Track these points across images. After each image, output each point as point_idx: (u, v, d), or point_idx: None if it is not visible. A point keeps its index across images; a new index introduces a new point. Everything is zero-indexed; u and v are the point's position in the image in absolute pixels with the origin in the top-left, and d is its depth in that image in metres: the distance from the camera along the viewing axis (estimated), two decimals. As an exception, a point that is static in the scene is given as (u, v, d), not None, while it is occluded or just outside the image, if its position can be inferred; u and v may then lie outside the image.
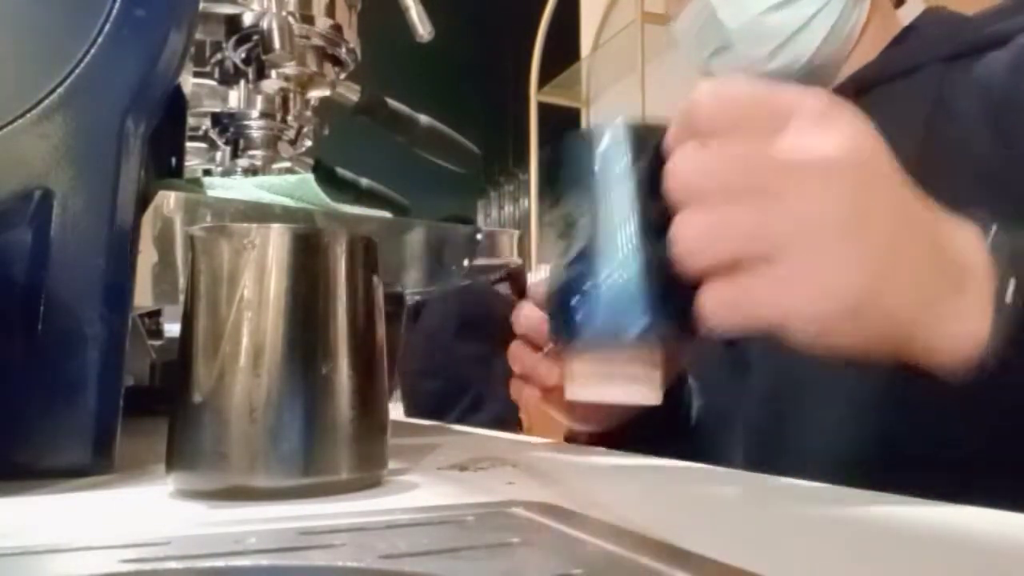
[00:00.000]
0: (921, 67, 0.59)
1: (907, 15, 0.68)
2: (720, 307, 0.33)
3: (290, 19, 0.69)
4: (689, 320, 0.33)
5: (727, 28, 0.60)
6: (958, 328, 0.34)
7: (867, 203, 0.33)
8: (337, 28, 0.73)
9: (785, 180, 0.32)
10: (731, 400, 0.63)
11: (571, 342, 0.40)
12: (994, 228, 0.36)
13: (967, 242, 0.36)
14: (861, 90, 0.62)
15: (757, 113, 0.33)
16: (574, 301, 0.38)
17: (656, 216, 0.35)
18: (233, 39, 0.71)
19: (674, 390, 0.57)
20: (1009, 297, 0.34)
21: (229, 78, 0.75)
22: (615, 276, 0.36)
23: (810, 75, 0.63)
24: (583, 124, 3.56)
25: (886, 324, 0.33)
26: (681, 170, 0.33)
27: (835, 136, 0.33)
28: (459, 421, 1.93)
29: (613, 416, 0.55)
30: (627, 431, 0.55)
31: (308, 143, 0.82)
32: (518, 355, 0.51)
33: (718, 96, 0.33)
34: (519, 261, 0.57)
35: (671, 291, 0.35)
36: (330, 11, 0.73)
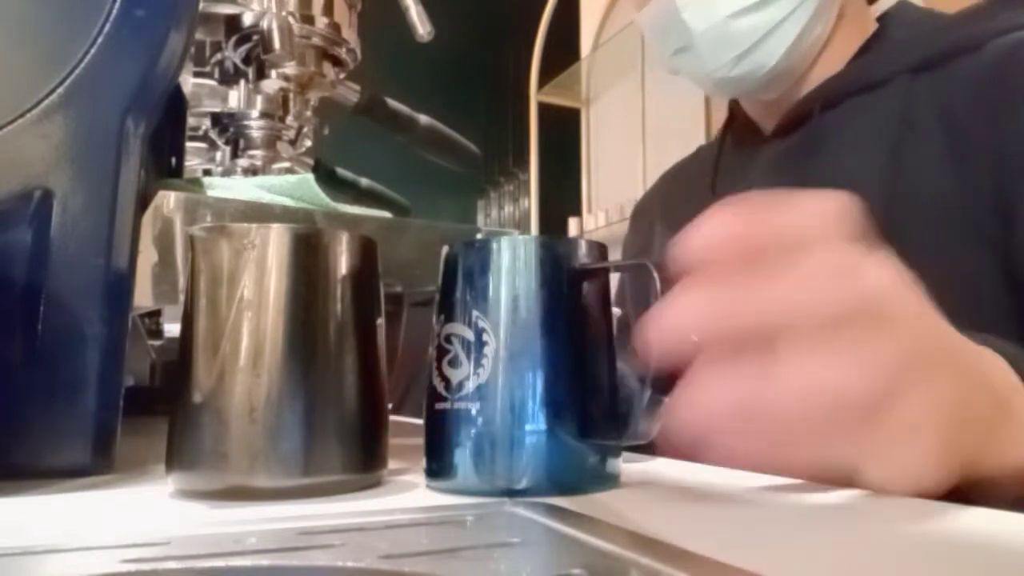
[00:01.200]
0: (890, 78, 0.58)
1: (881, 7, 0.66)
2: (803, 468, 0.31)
3: (290, 19, 0.69)
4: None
5: (691, 30, 0.58)
6: (1015, 453, 0.33)
7: (921, 358, 0.30)
8: (337, 28, 0.73)
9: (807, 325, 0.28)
10: None
11: (441, 483, 0.34)
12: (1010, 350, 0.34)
13: (994, 365, 0.34)
14: (828, 104, 0.61)
15: (771, 246, 0.29)
16: (455, 436, 0.33)
17: (571, 350, 0.32)
18: (233, 39, 0.71)
19: None
20: None
21: (229, 78, 0.75)
22: (518, 417, 0.32)
23: (771, 83, 0.63)
24: (583, 124, 3.56)
25: (941, 464, 0.31)
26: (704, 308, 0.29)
27: (870, 284, 0.29)
28: None
29: None
30: None
31: (308, 143, 0.82)
32: None
33: (723, 225, 0.30)
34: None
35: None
36: (330, 11, 0.73)
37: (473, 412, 0.32)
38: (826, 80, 0.62)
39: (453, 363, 0.33)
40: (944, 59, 0.54)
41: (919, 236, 0.46)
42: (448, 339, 0.33)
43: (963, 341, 0.33)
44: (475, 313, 0.33)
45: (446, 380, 0.33)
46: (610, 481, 0.34)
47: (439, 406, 0.33)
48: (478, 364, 0.32)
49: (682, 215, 0.40)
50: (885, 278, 0.29)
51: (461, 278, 0.34)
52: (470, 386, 0.32)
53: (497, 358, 0.32)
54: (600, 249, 0.35)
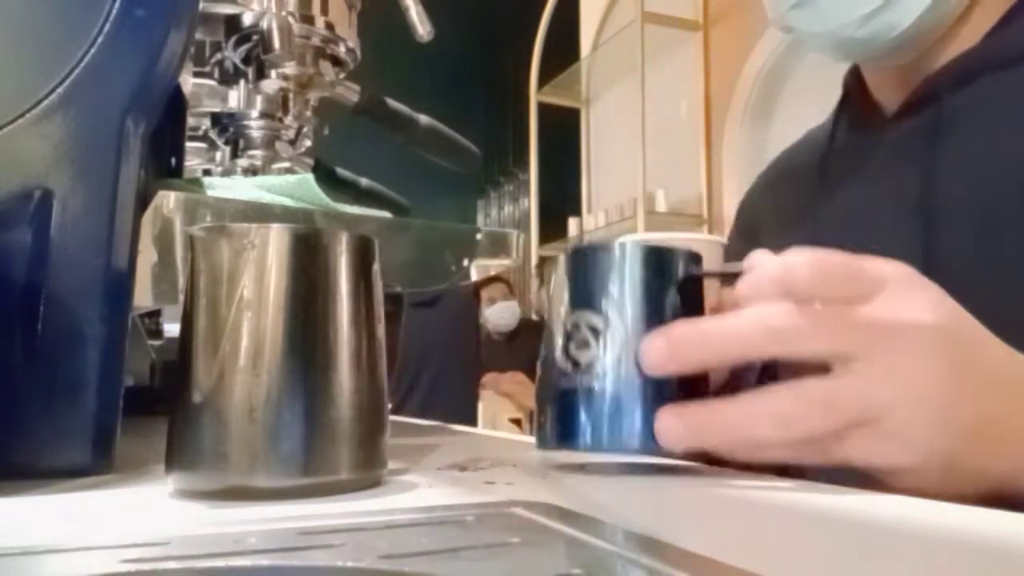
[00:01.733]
0: None
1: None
2: (806, 456, 0.35)
3: (290, 19, 0.69)
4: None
5: None
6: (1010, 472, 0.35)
7: (962, 369, 0.34)
8: (337, 28, 0.73)
9: (888, 345, 0.33)
10: None
11: (576, 448, 0.39)
12: None
13: None
14: (961, 81, 0.54)
15: (853, 282, 0.34)
16: (585, 408, 0.38)
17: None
18: (233, 39, 0.71)
19: None
20: None
21: (229, 78, 0.75)
22: (634, 391, 0.37)
23: (899, 48, 0.56)
24: (583, 124, 3.56)
25: (985, 481, 0.35)
26: (785, 327, 0.33)
27: (929, 302, 0.34)
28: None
29: None
30: None
31: (308, 143, 0.82)
32: None
33: (818, 261, 0.34)
34: (518, 261, 0.57)
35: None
36: (329, 11, 0.73)
37: (605, 385, 0.37)
38: (960, 55, 0.56)
39: (583, 346, 0.38)
40: None
41: None
42: (576, 326, 0.38)
43: (1016, 360, 0.36)
44: (604, 303, 0.38)
45: (574, 360, 0.38)
46: None
47: (566, 383, 0.38)
48: (606, 347, 0.38)
49: (792, 211, 0.45)
50: (946, 302, 0.34)
51: (593, 275, 0.39)
52: (601, 366, 0.37)
53: (626, 342, 0.37)
54: (698, 258, 0.40)
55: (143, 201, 0.43)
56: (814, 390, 0.33)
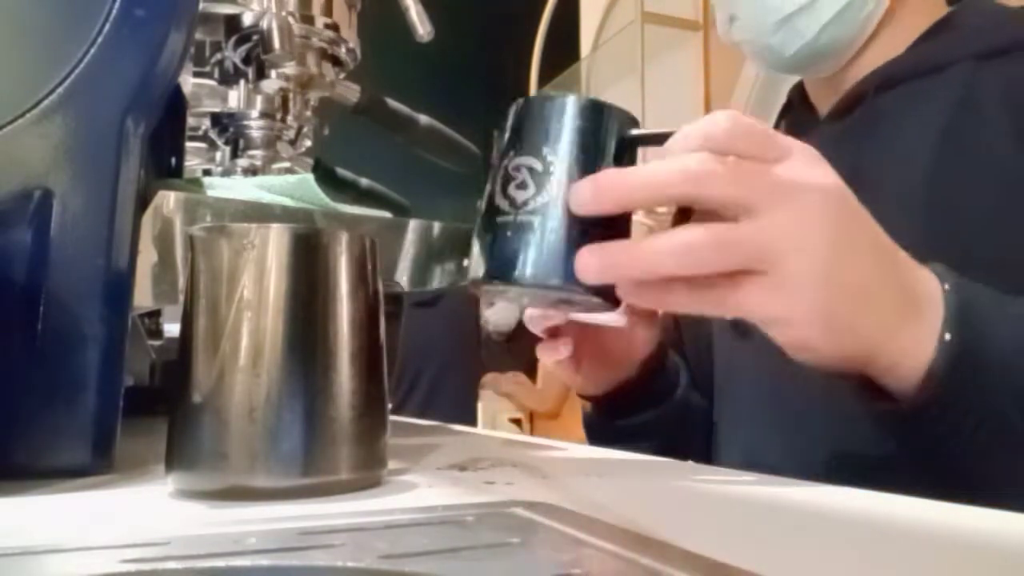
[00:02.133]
0: (951, 64, 0.58)
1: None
2: (705, 303, 0.38)
3: (290, 19, 0.69)
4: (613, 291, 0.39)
5: None
6: (914, 350, 0.39)
7: (849, 232, 0.38)
8: (337, 28, 0.73)
9: (788, 200, 0.36)
10: (736, 359, 0.64)
11: (502, 280, 0.40)
12: (948, 281, 0.40)
13: (924, 279, 0.40)
14: (885, 86, 0.61)
15: (766, 143, 0.38)
16: (515, 244, 0.39)
17: None
18: (233, 39, 0.71)
19: (652, 362, 0.58)
20: (946, 337, 0.39)
21: (229, 78, 0.75)
22: (561, 231, 0.39)
23: (818, 57, 0.63)
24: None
25: (856, 340, 0.39)
26: (700, 171, 0.36)
27: (826, 172, 0.38)
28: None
29: (611, 381, 0.57)
30: (623, 397, 0.58)
31: (308, 143, 0.82)
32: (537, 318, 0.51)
33: (738, 119, 0.37)
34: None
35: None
36: (329, 11, 0.73)
37: (535, 223, 0.39)
38: (885, 63, 0.62)
39: (521, 187, 0.40)
40: (1013, 47, 0.54)
41: (976, 210, 0.52)
42: (517, 168, 0.40)
43: (893, 245, 0.40)
44: (545, 149, 0.40)
45: (511, 199, 0.40)
46: None
47: (501, 219, 0.40)
48: (541, 188, 0.39)
49: None
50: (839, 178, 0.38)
51: (536, 123, 0.41)
52: (534, 204, 0.39)
53: (560, 185, 0.39)
54: (636, 122, 0.43)
55: (143, 201, 0.43)
56: (716, 229, 0.36)
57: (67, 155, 0.39)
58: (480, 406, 3.02)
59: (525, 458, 0.46)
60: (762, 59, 0.66)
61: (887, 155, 0.58)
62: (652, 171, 0.37)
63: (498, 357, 3.17)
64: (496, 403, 3.03)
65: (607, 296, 0.40)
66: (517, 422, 3.03)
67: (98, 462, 0.38)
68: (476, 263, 0.41)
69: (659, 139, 0.41)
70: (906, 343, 0.39)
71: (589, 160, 0.40)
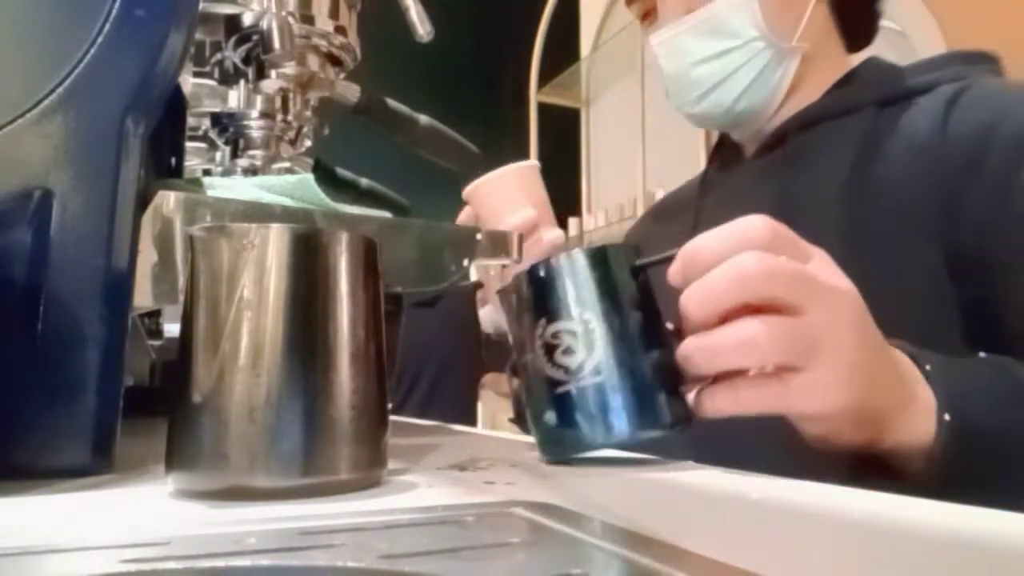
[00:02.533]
0: (858, 109, 0.67)
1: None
2: (763, 402, 0.41)
3: (290, 19, 0.69)
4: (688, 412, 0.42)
5: (665, 74, 0.70)
6: (914, 430, 0.43)
7: (863, 328, 0.42)
8: (337, 28, 0.73)
9: (826, 301, 0.40)
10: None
11: (597, 444, 0.42)
12: (929, 362, 0.45)
13: (906, 363, 0.45)
14: (806, 125, 0.70)
15: (797, 245, 0.42)
16: (592, 408, 0.41)
17: (649, 327, 0.43)
18: (233, 39, 0.71)
19: None
20: (946, 418, 0.43)
21: (229, 78, 0.75)
22: (628, 381, 0.41)
23: (737, 120, 0.74)
24: (583, 125, 3.56)
25: (869, 423, 0.43)
26: (753, 274, 0.39)
27: (842, 276, 0.42)
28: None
29: None
30: None
31: (308, 143, 0.82)
32: None
33: (770, 224, 0.41)
34: (518, 261, 0.57)
35: (674, 390, 0.42)
36: (330, 11, 0.73)
37: (603, 383, 0.41)
38: (804, 107, 0.71)
39: (567, 353, 0.41)
40: (905, 96, 0.64)
41: (880, 235, 0.60)
42: (556, 336, 0.42)
43: (877, 334, 0.44)
44: (576, 311, 0.42)
45: (564, 368, 0.41)
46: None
47: (562, 390, 0.41)
48: (591, 349, 0.41)
49: (674, 235, 0.54)
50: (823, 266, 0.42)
51: (556, 288, 0.42)
52: (591, 365, 0.41)
53: (606, 341, 0.41)
54: (637, 249, 0.45)
55: (143, 201, 0.43)
56: (771, 321, 0.39)
57: (67, 155, 0.39)
58: (480, 406, 3.02)
59: (525, 458, 0.46)
60: (694, 123, 0.77)
61: (808, 183, 0.66)
62: (716, 286, 0.40)
63: (498, 357, 3.16)
64: (496, 403, 3.02)
65: (689, 420, 0.42)
66: (517, 422, 3.03)
67: (98, 462, 0.38)
68: (554, 438, 0.43)
69: (666, 261, 0.43)
70: (906, 424, 0.43)
71: (617, 303, 0.42)
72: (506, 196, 0.74)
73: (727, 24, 0.65)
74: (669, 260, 0.42)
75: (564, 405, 0.41)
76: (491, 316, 3.27)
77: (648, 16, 0.74)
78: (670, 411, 0.41)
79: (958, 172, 0.57)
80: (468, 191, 0.79)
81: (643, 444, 0.44)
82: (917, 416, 0.43)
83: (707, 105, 0.72)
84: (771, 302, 0.39)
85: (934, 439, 0.43)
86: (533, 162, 0.75)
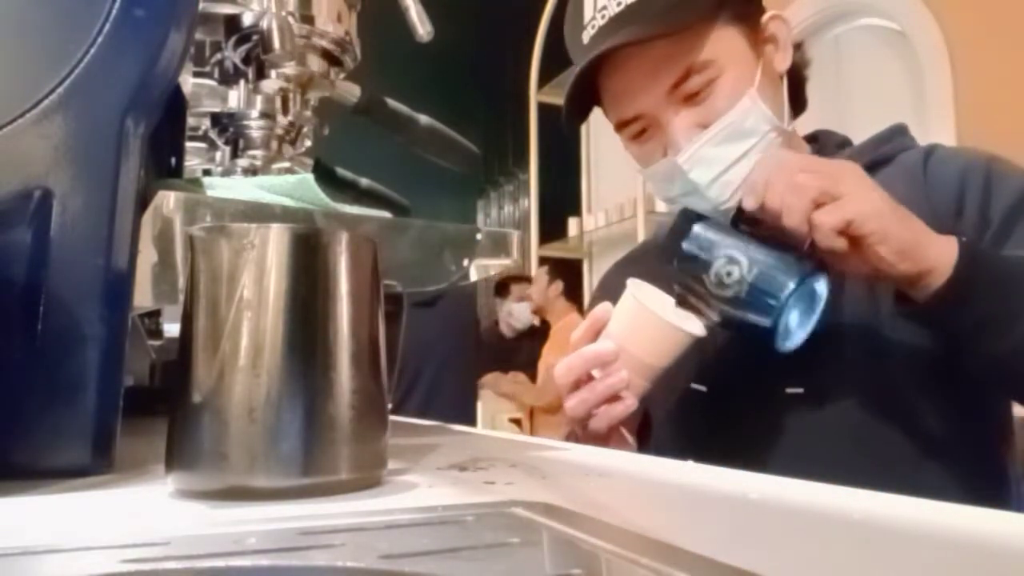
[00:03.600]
0: None
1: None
2: (825, 221, 0.56)
3: (290, 19, 0.69)
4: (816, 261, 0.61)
5: (695, 183, 0.72)
6: (939, 252, 0.58)
7: (886, 198, 0.59)
8: (336, 28, 0.73)
9: (858, 187, 0.58)
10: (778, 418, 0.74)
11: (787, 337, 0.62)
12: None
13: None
14: None
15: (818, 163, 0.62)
16: (775, 315, 0.60)
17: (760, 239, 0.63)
18: (233, 39, 0.71)
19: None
20: (963, 240, 0.60)
21: (229, 78, 0.75)
22: (787, 279, 0.60)
23: (728, 210, 0.79)
24: (583, 124, 3.56)
25: (913, 260, 0.58)
26: (790, 179, 0.59)
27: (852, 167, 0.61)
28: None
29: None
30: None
31: (308, 143, 0.82)
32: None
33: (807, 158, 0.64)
34: (518, 261, 0.57)
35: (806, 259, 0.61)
36: (330, 11, 0.73)
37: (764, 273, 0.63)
38: None
39: (729, 275, 0.63)
40: (869, 169, 0.70)
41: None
42: (720, 273, 0.64)
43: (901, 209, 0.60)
44: (724, 255, 0.66)
45: (734, 281, 0.64)
46: None
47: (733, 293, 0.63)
48: (740, 266, 0.64)
49: (650, 278, 0.72)
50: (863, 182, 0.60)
51: (707, 249, 0.66)
52: (753, 273, 0.63)
53: (744, 254, 0.65)
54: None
55: (143, 201, 0.43)
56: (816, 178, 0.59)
57: (67, 155, 0.39)
58: (480, 406, 3.02)
59: (525, 458, 0.46)
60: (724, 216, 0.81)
61: None
62: (785, 200, 0.58)
63: (499, 356, 3.17)
64: (496, 403, 3.02)
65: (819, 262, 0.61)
66: (517, 422, 3.03)
67: (98, 462, 0.38)
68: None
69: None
70: (932, 250, 0.58)
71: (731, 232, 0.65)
72: (656, 342, 0.66)
73: (744, 126, 0.70)
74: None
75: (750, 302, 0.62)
76: (516, 312, 3.26)
77: (641, 135, 0.75)
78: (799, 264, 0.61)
79: (944, 217, 0.69)
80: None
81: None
82: (943, 244, 0.58)
83: (684, 203, 0.77)
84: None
85: (956, 258, 0.57)
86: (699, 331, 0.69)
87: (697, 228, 0.64)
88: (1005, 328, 0.58)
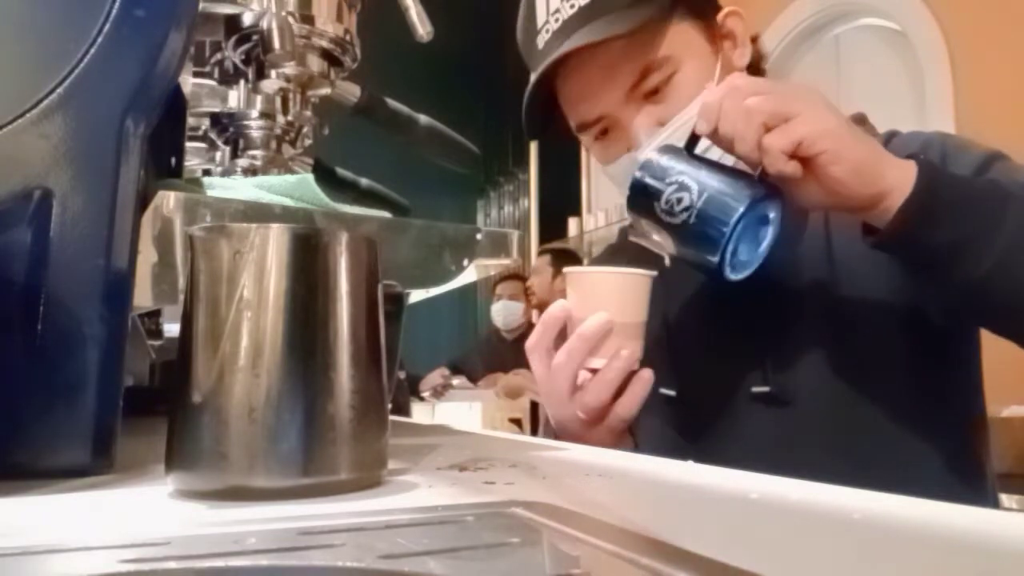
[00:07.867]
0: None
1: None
2: (773, 144, 0.55)
3: (290, 19, 0.69)
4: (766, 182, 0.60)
5: None
6: (901, 181, 0.56)
7: (838, 114, 0.58)
8: (336, 28, 0.73)
9: (811, 105, 0.56)
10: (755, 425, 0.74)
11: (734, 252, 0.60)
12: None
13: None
14: None
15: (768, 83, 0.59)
16: (730, 229, 0.58)
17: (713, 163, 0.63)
18: (233, 39, 0.71)
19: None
20: (920, 158, 0.59)
21: (229, 78, 0.75)
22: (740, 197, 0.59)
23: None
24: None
25: (871, 181, 0.56)
26: (740, 101, 0.57)
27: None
28: None
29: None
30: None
31: (308, 143, 0.82)
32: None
33: (760, 81, 0.59)
34: (518, 261, 0.57)
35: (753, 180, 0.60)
36: (330, 11, 0.73)
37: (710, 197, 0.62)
38: None
39: (680, 201, 0.61)
40: None
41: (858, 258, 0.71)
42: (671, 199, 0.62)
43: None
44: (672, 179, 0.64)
45: (685, 208, 0.62)
46: None
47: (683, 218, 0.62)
48: (690, 191, 0.62)
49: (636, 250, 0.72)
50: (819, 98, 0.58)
51: (659, 176, 0.64)
52: (702, 196, 0.60)
53: (695, 180, 0.63)
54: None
55: (143, 201, 0.43)
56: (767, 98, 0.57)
57: (67, 155, 0.39)
58: (480, 406, 3.02)
59: (525, 458, 0.46)
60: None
61: (791, 233, 0.76)
62: (736, 126, 0.57)
63: (501, 355, 3.17)
64: (496, 403, 3.03)
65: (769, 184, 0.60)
66: (517, 422, 3.03)
67: (98, 462, 0.38)
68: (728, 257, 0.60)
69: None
70: (891, 171, 0.57)
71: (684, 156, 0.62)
72: (626, 299, 0.66)
73: None
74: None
75: (696, 224, 0.60)
76: (502, 315, 3.27)
77: (604, 136, 0.74)
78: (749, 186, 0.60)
79: None
80: (574, 277, 0.70)
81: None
82: (901, 165, 0.57)
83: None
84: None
85: (915, 176, 0.56)
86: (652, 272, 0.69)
87: (651, 154, 0.61)
88: (984, 245, 0.55)
